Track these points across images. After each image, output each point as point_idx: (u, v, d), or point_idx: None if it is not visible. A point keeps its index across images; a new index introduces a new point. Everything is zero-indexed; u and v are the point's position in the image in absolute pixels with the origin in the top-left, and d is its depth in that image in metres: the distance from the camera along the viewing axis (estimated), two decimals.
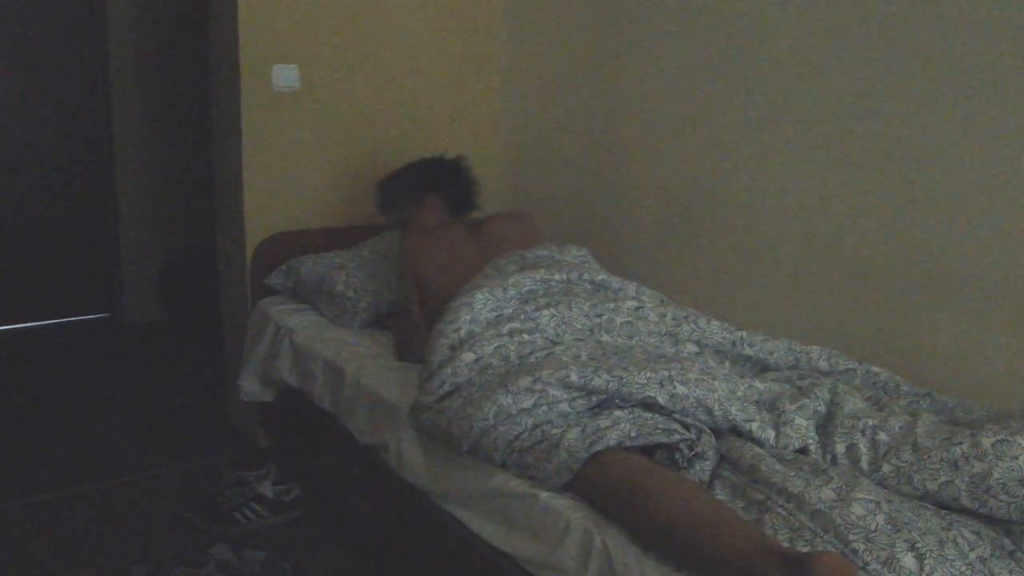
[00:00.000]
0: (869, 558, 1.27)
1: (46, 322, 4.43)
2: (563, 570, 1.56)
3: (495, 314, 2.06)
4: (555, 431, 1.67)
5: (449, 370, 1.91)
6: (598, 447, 1.58)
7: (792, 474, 1.50)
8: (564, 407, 1.71)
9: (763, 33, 2.47)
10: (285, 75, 2.96)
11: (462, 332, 2.00)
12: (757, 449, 1.62)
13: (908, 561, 1.26)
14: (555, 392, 1.72)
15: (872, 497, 1.39)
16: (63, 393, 3.51)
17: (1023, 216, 1.96)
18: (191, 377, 3.73)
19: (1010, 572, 1.30)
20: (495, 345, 1.94)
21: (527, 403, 1.71)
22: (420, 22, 3.26)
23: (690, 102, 2.71)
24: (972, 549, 1.31)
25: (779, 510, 1.40)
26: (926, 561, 1.25)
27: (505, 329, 1.98)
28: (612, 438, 1.59)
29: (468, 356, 1.92)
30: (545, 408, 1.71)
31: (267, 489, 2.52)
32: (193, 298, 4.35)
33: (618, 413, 1.67)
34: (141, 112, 4.46)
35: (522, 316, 2.01)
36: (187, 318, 4.41)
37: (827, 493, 1.41)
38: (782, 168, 2.46)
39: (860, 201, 2.27)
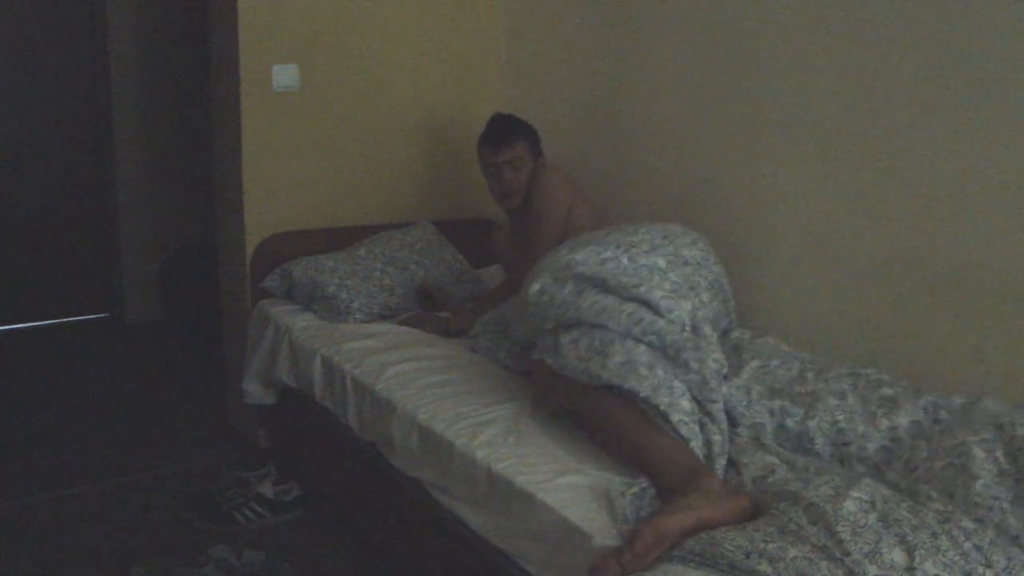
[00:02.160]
0: (852, 548, 1.29)
1: (46, 322, 4.43)
2: (563, 570, 1.56)
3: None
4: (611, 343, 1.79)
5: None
6: (624, 385, 1.70)
7: (795, 477, 1.55)
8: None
9: (764, 33, 2.47)
10: (285, 75, 2.96)
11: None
12: (770, 458, 1.67)
13: (896, 555, 1.27)
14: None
15: (867, 496, 1.41)
16: (63, 393, 3.51)
17: (1021, 214, 1.96)
18: (191, 377, 3.73)
19: (1008, 558, 1.31)
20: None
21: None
22: (420, 22, 3.26)
23: (690, 102, 2.71)
24: (968, 538, 1.33)
25: (774, 511, 1.42)
26: (917, 552, 1.27)
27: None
28: (638, 388, 1.69)
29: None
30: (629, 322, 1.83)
31: (267, 489, 2.52)
32: (193, 298, 4.35)
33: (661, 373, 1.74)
34: (141, 112, 4.47)
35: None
36: (187, 318, 4.41)
37: (825, 490, 1.44)
38: (782, 168, 2.46)
39: (860, 200, 2.27)
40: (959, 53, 2.04)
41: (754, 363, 1.96)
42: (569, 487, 1.65)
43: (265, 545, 2.35)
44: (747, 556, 1.31)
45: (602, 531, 1.51)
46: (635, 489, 1.57)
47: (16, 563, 2.28)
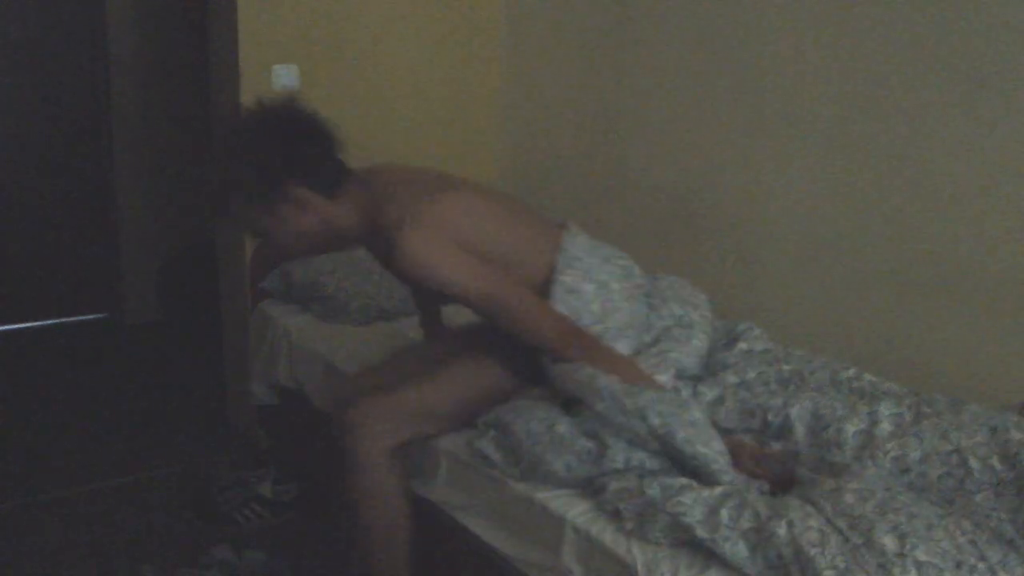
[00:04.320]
0: (850, 534, 1.33)
1: (45, 322, 4.42)
2: (562, 573, 1.56)
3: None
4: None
5: None
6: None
7: (805, 476, 1.56)
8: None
9: (763, 32, 2.47)
10: (285, 75, 2.96)
11: None
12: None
13: (887, 541, 1.30)
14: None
15: (865, 486, 1.44)
16: (63, 393, 3.51)
17: (1020, 214, 1.96)
18: (191, 378, 3.73)
19: (1004, 555, 1.32)
20: None
21: None
22: (420, 22, 3.25)
23: (690, 102, 2.71)
24: (964, 534, 1.34)
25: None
26: (908, 540, 1.30)
27: None
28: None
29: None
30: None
31: (267, 489, 2.52)
32: (193, 298, 4.35)
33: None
34: (141, 112, 4.46)
35: None
36: (187, 318, 4.41)
37: (828, 483, 1.47)
38: (782, 168, 2.46)
39: (860, 201, 2.27)
40: (960, 53, 2.04)
41: (732, 379, 1.89)
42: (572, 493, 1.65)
43: (265, 545, 2.36)
44: (769, 520, 1.37)
45: (601, 532, 1.52)
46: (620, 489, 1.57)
47: (16, 563, 2.28)
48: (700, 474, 1.57)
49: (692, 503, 1.44)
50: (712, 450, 1.57)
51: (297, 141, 1.75)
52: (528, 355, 1.85)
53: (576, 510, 1.59)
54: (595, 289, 1.85)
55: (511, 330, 1.78)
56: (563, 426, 1.68)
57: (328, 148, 1.79)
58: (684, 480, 1.54)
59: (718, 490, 1.49)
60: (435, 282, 1.74)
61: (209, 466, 2.86)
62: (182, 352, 4.10)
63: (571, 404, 1.75)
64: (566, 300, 1.82)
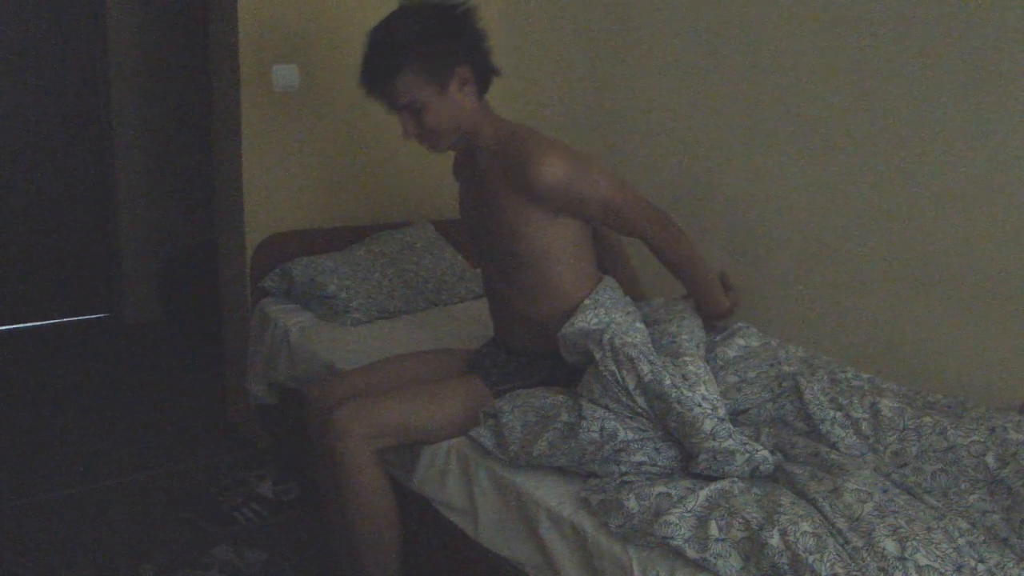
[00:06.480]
0: (849, 536, 1.34)
1: (46, 322, 4.43)
2: (561, 572, 1.57)
3: None
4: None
5: None
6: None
7: (801, 472, 1.55)
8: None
9: (764, 32, 2.47)
10: (285, 75, 2.96)
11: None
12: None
13: (888, 544, 1.30)
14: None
15: (864, 487, 1.44)
16: (63, 393, 3.51)
17: (1021, 214, 1.96)
18: (191, 377, 3.73)
19: (1001, 555, 1.33)
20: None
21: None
22: None
23: (690, 102, 2.72)
24: (962, 535, 1.35)
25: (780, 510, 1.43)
26: (908, 543, 1.30)
27: None
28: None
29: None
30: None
31: (267, 489, 2.52)
32: (193, 298, 4.35)
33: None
34: (141, 112, 4.47)
35: None
36: (187, 318, 4.41)
37: (826, 484, 1.46)
38: (779, 167, 2.46)
39: (858, 200, 2.27)
40: (959, 52, 2.04)
41: (732, 379, 1.88)
42: (569, 492, 1.65)
43: (265, 545, 2.36)
44: (760, 528, 1.36)
45: (597, 530, 1.52)
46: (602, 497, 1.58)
47: (16, 563, 2.28)
48: (683, 423, 1.58)
49: (678, 521, 1.42)
50: (696, 394, 1.62)
51: (479, 31, 1.99)
52: (515, 379, 1.93)
53: (573, 508, 1.59)
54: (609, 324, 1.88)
55: (624, 224, 1.95)
56: (551, 404, 1.73)
57: (490, 51, 1.98)
58: (661, 487, 1.52)
59: (703, 495, 1.48)
60: (577, 184, 1.84)
61: (209, 466, 2.86)
62: (182, 352, 4.10)
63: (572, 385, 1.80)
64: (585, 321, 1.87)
